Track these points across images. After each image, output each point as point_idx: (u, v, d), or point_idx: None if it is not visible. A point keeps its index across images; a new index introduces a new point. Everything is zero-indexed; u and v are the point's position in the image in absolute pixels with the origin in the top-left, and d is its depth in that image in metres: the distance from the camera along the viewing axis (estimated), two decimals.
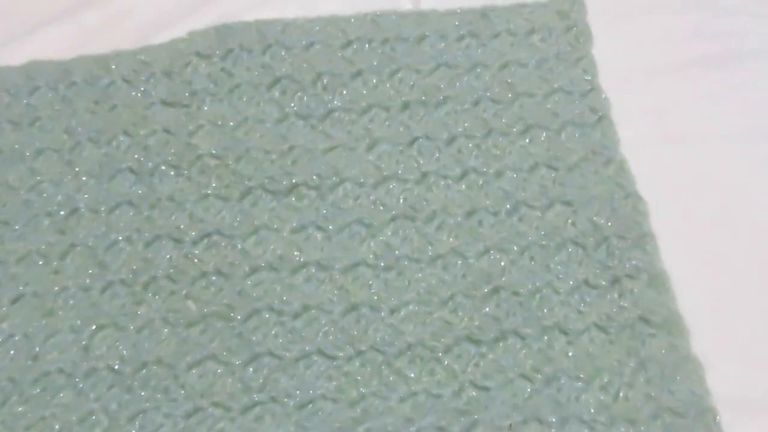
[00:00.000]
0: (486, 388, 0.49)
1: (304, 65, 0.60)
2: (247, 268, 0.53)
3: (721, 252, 0.54)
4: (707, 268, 0.53)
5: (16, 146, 0.58)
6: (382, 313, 0.51)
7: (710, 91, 0.61)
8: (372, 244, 0.54)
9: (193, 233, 0.54)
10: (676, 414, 0.46)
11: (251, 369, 0.50)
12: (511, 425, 0.47)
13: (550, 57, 0.61)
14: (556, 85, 0.60)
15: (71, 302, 0.52)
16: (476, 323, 0.51)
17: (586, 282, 0.52)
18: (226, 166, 0.56)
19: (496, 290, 0.52)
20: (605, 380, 0.48)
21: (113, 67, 0.61)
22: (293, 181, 0.56)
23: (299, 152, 0.57)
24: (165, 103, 0.59)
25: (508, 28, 0.63)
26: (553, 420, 0.47)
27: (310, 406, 0.48)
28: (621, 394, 0.47)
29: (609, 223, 0.54)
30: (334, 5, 0.64)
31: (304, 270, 0.53)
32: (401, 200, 0.56)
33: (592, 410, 0.47)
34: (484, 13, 0.63)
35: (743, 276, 0.53)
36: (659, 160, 0.57)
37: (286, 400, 0.48)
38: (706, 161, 0.58)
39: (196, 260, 0.53)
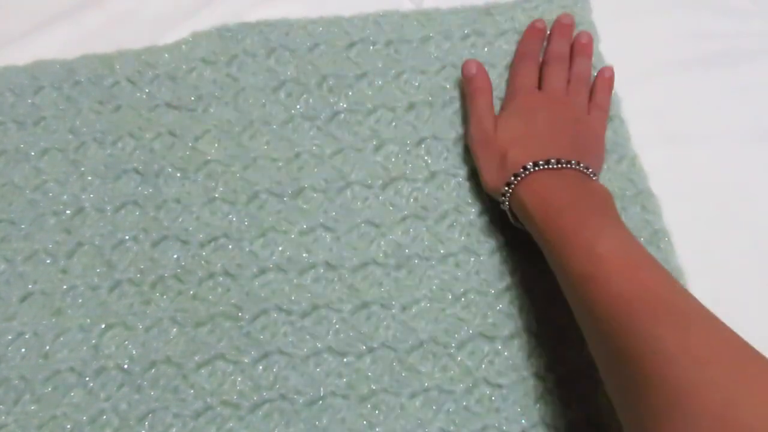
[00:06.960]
0: (499, 386, 0.49)
1: (309, 67, 0.60)
2: (254, 270, 0.53)
3: (721, 253, 0.54)
4: (708, 269, 0.53)
5: (21, 146, 0.57)
6: (394, 311, 0.51)
7: (711, 91, 0.61)
8: (382, 243, 0.54)
9: (201, 236, 0.54)
10: None
11: (260, 367, 0.50)
12: None
13: None
14: None
15: (80, 301, 0.52)
16: (490, 320, 0.51)
17: None
18: (232, 173, 0.56)
19: (509, 288, 0.52)
20: None
21: (117, 67, 0.60)
22: (300, 185, 0.56)
23: (306, 158, 0.57)
24: (170, 106, 0.59)
25: (514, 26, 0.62)
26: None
27: (320, 402, 0.49)
28: None
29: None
30: (335, 4, 0.63)
31: (313, 270, 0.53)
32: (411, 200, 0.56)
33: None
34: (488, 11, 0.63)
35: (744, 276, 0.53)
36: (659, 160, 0.57)
37: (295, 397, 0.49)
38: (707, 161, 0.58)
39: (203, 261, 0.53)
